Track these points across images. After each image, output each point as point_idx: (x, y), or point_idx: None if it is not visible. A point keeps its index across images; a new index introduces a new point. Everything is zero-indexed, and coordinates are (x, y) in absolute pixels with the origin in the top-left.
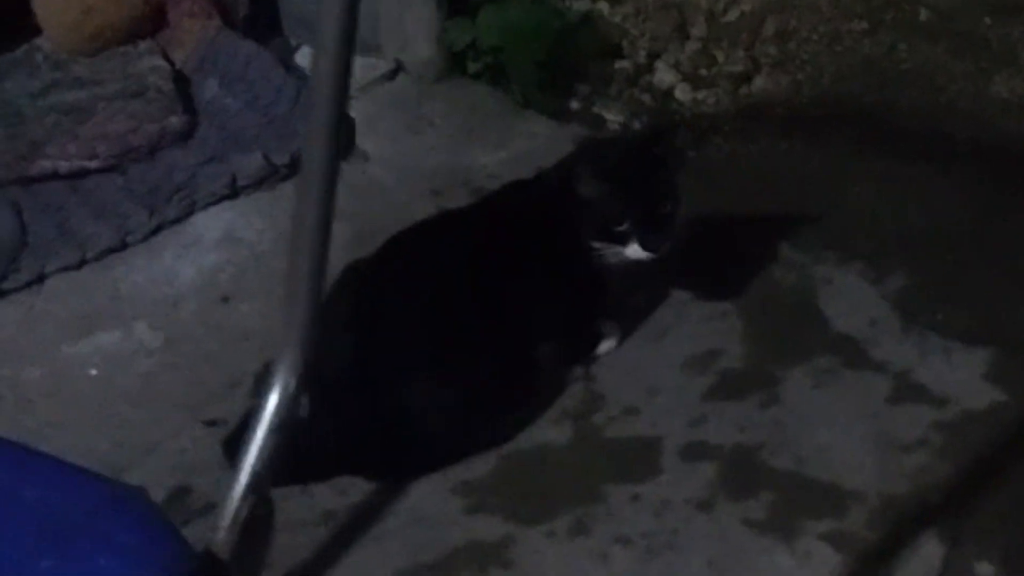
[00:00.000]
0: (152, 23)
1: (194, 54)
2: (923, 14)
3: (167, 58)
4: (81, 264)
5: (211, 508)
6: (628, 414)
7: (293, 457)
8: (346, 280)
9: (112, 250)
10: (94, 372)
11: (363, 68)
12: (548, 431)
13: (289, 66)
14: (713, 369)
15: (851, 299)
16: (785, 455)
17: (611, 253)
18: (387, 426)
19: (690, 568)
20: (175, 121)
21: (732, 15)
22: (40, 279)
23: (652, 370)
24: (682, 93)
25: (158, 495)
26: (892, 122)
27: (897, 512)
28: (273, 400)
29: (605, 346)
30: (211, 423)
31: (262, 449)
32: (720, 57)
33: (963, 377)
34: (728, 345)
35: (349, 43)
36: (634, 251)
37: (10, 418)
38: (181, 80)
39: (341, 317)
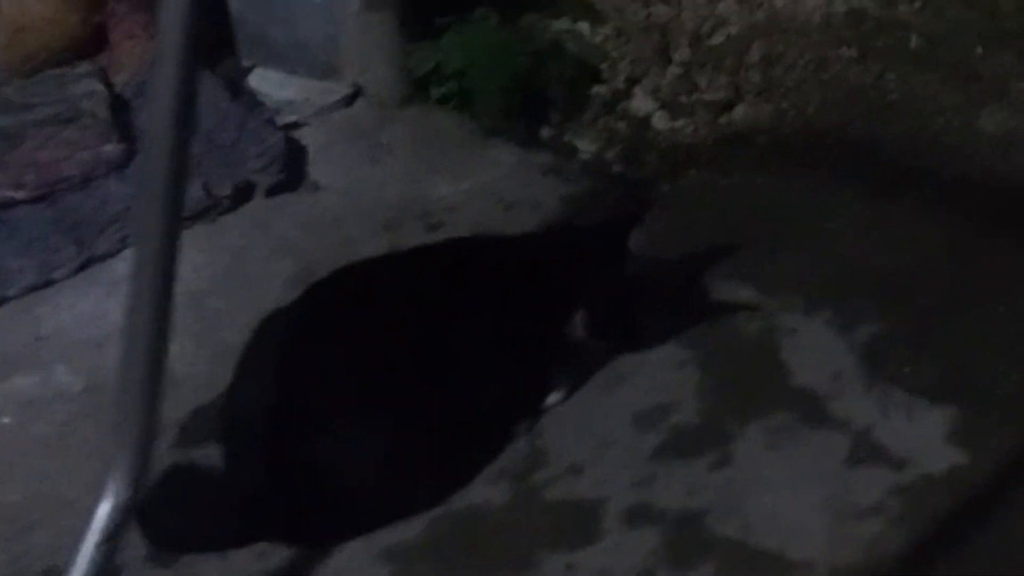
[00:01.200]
0: (91, 44)
1: (135, 77)
2: (914, 41)
3: (107, 81)
4: (2, 302)
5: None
6: (572, 473)
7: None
8: (266, 327)
9: (36, 287)
10: (7, 420)
11: (320, 92)
12: (485, 491)
13: (239, 90)
14: (666, 424)
15: (815, 350)
16: (733, 521)
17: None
18: (307, 485)
19: None
20: (110, 149)
21: (718, 38)
22: None
23: (602, 423)
24: (659, 121)
25: (62, 558)
26: (876, 155)
27: None
28: (104, 511)
29: (553, 399)
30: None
31: (91, 562)
32: (702, 83)
33: (925, 437)
34: (683, 398)
35: (186, 116)
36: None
37: None
38: (120, 105)
39: (258, 367)
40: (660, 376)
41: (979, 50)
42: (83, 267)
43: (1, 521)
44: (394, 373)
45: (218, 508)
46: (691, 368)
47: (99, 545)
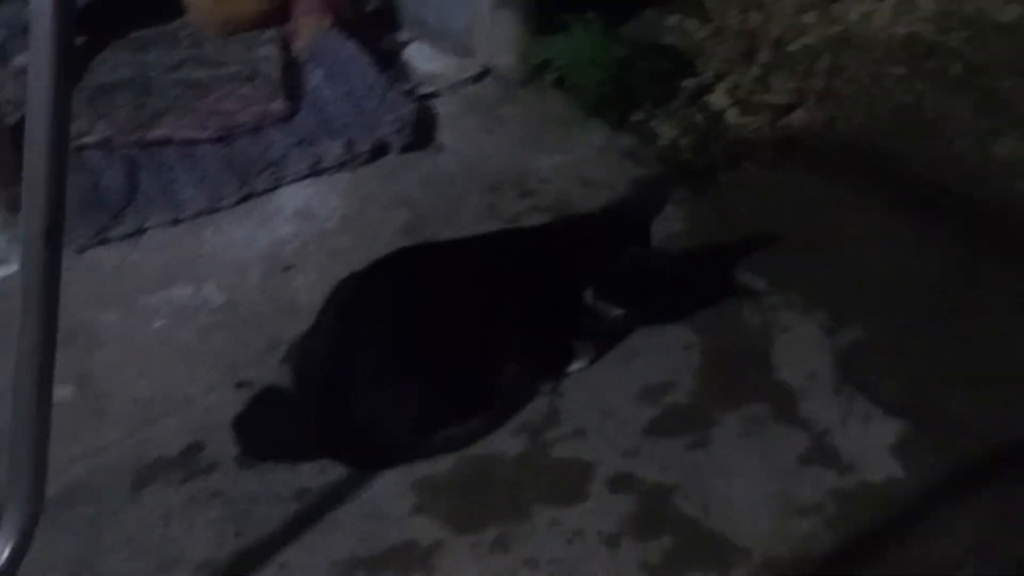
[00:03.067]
0: (277, 15)
1: (307, 47)
2: (955, 67)
3: (285, 47)
4: (175, 223)
5: (214, 468)
6: (577, 436)
7: (288, 435)
8: (341, 288)
9: (204, 212)
10: (160, 323)
11: (457, 68)
12: (505, 441)
13: (391, 62)
14: (662, 402)
15: (802, 349)
16: (695, 501)
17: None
18: (362, 422)
19: None
20: (277, 106)
21: (796, 46)
22: (139, 232)
23: (611, 394)
24: (731, 117)
25: (174, 449)
26: (903, 169)
27: None
28: None
29: (577, 365)
30: (241, 385)
31: None
32: (775, 85)
33: (873, 446)
34: (682, 379)
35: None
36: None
37: (76, 357)
38: (293, 68)
39: (331, 323)
40: (668, 356)
41: (1008, 82)
42: (243, 200)
43: (134, 411)
44: (444, 335)
45: (295, 428)
46: (695, 352)
47: None
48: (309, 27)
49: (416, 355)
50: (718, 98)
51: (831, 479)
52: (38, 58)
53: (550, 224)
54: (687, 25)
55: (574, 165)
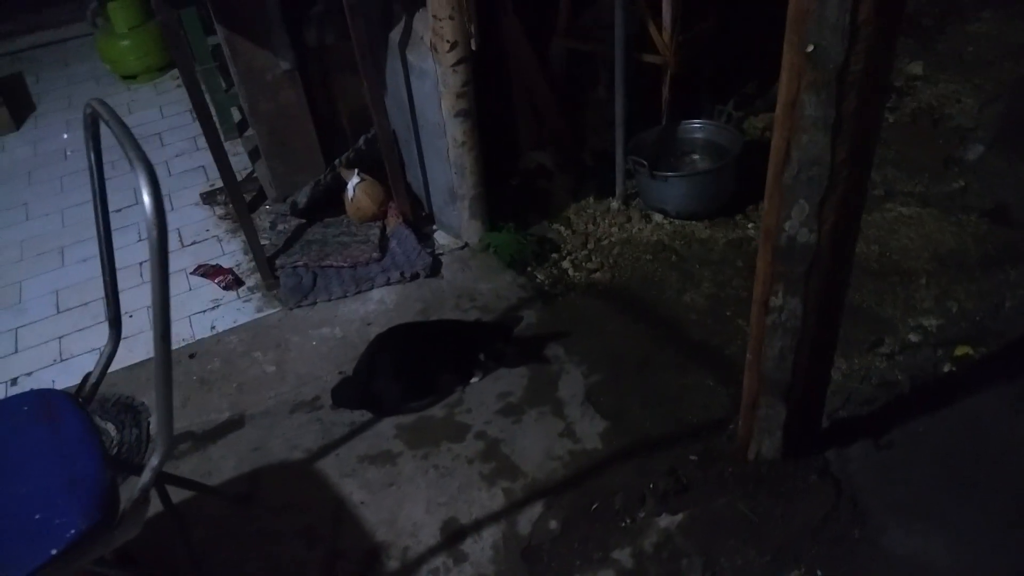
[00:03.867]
0: (380, 215)
1: (391, 230)
2: (674, 257)
3: (383, 229)
4: (328, 300)
5: (321, 408)
6: (467, 412)
7: (352, 392)
8: (385, 333)
9: (340, 298)
10: (314, 342)
11: (453, 242)
12: (437, 410)
13: (426, 239)
14: (506, 400)
15: (572, 382)
16: (509, 447)
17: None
18: (378, 395)
19: (417, 497)
20: (375, 255)
21: (605, 241)
22: (313, 303)
23: (485, 395)
24: (570, 272)
25: (308, 398)
26: (639, 302)
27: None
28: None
29: (474, 380)
30: (341, 373)
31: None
32: (593, 259)
33: (591, 432)
34: (516, 391)
35: None
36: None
37: (277, 354)
38: (384, 238)
39: (369, 350)
40: (512, 380)
41: (697, 265)
42: (356, 293)
43: (296, 380)
44: (415, 359)
45: (353, 395)
46: (525, 380)
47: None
48: (392, 221)
49: (403, 367)
50: (566, 264)
51: (570, 444)
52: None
53: (467, 321)
54: (559, 229)
55: (495, 289)
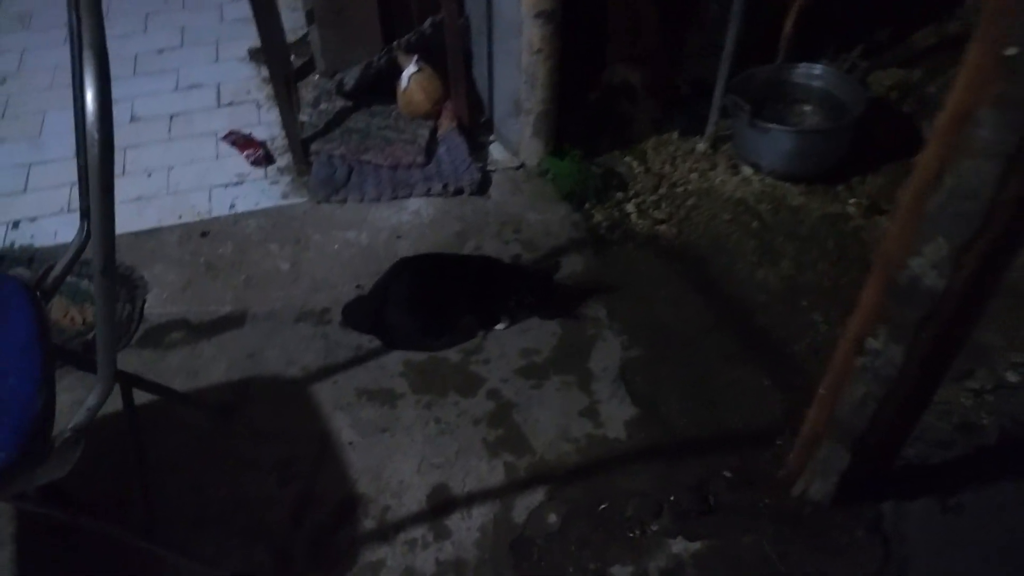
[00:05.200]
0: (434, 113)
1: (443, 133)
2: (756, 223)
3: (434, 130)
4: (360, 201)
5: (329, 323)
6: (484, 362)
7: (362, 317)
8: (411, 258)
9: (373, 200)
10: (336, 245)
11: (509, 159)
12: (451, 354)
13: (479, 150)
14: (530, 359)
15: (606, 353)
16: (521, 415)
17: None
18: (390, 325)
19: (411, 451)
20: (420, 159)
21: (680, 189)
22: (343, 201)
23: (508, 347)
24: (633, 218)
25: (318, 308)
26: (703, 270)
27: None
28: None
29: (499, 327)
30: (358, 287)
31: None
32: (661, 206)
33: (616, 417)
34: (544, 350)
35: None
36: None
37: (294, 250)
38: (433, 141)
39: (386, 275)
40: (542, 336)
41: (780, 239)
42: (392, 199)
43: (309, 284)
44: (435, 294)
45: (365, 317)
46: (555, 338)
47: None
48: (445, 124)
49: (420, 301)
50: (630, 207)
51: (590, 427)
52: None
53: (503, 262)
54: (631, 163)
55: (545, 223)
